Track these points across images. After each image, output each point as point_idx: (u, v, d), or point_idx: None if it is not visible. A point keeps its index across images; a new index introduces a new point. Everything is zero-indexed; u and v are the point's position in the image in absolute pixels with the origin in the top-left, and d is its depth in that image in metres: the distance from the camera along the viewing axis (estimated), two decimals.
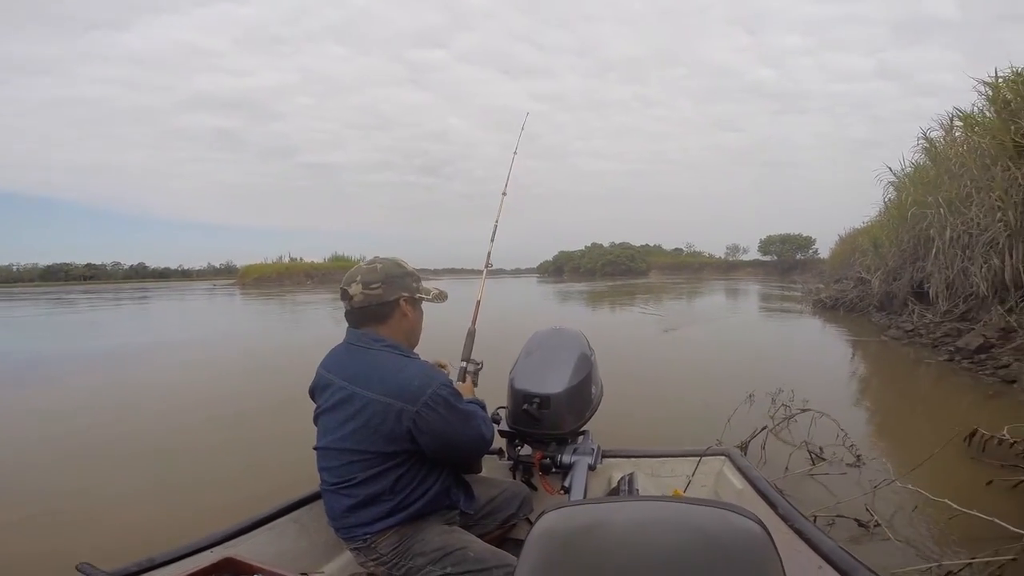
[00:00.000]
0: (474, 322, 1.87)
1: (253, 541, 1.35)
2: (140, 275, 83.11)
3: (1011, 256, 5.92)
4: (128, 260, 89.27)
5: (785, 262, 44.90)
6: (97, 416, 4.50)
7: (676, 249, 60.31)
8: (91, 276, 76.58)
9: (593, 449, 1.62)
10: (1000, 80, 6.93)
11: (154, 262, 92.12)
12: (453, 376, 1.62)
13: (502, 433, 1.67)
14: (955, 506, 2.04)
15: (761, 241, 49.67)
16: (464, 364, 1.73)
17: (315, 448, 1.37)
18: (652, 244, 60.35)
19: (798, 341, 8.59)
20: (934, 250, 7.39)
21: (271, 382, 5.52)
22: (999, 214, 6.15)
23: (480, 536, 1.41)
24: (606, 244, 58.21)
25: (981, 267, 6.30)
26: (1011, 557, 1.75)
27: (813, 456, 2.86)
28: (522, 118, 2.69)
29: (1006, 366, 4.62)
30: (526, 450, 1.67)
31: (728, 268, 49.68)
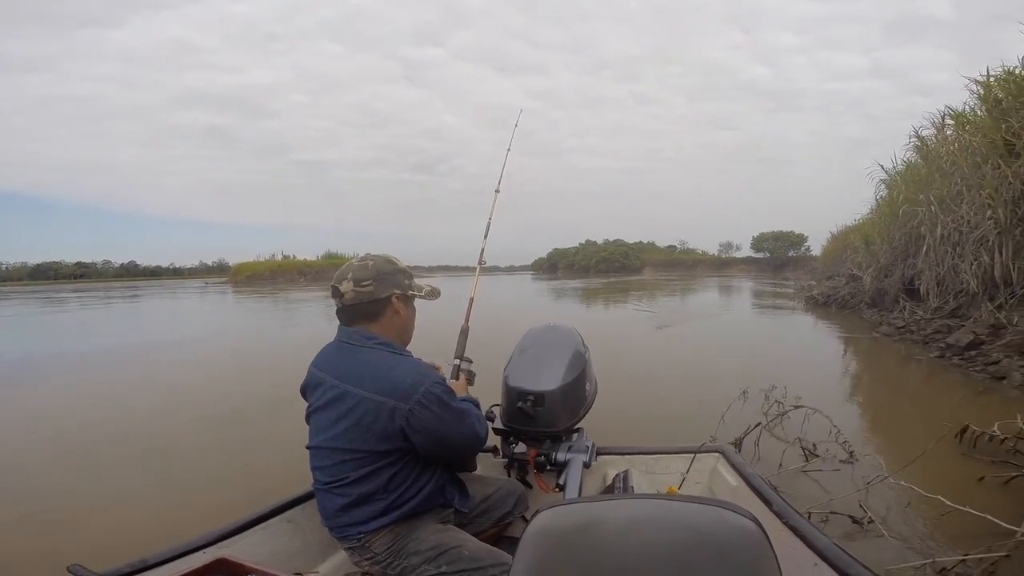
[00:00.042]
0: (467, 319, 1.86)
1: (246, 541, 1.34)
2: (131, 273, 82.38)
3: (1001, 253, 5.98)
4: (119, 258, 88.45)
5: (778, 259, 45.21)
6: (89, 416, 4.46)
7: (670, 246, 60.65)
8: (81, 274, 75.87)
9: (588, 446, 1.62)
10: (992, 79, 6.98)
11: (145, 260, 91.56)
12: (447, 375, 1.61)
13: (496, 431, 1.66)
14: (948, 502, 2.05)
15: (754, 238, 50.07)
16: (458, 362, 1.72)
17: (307, 447, 1.36)
18: (646, 241, 60.75)
19: (791, 338, 8.64)
20: (925, 247, 7.45)
21: (263, 381, 5.48)
22: (989, 212, 6.20)
23: (475, 534, 1.40)
24: (600, 241, 58.52)
25: (971, 264, 6.36)
26: (1004, 554, 1.76)
27: (806, 453, 2.87)
28: (516, 115, 2.69)
29: (996, 362, 4.66)
30: (521, 448, 1.66)
31: (721, 265, 49.90)
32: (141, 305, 20.89)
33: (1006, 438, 2.77)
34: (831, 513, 2.20)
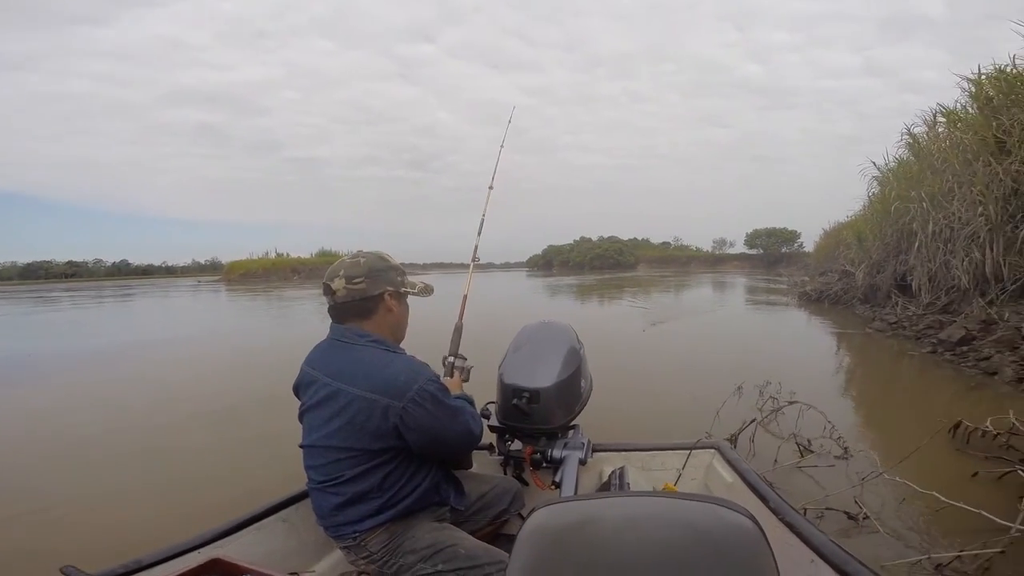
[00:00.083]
0: (461, 316, 1.86)
1: (241, 541, 1.33)
2: (123, 272, 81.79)
3: (992, 249, 6.03)
4: (110, 257, 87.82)
5: (771, 255, 45.34)
6: (81, 415, 4.42)
7: (664, 243, 60.77)
8: (72, 274, 75.29)
9: (583, 443, 1.61)
10: (983, 77, 7.03)
11: (137, 259, 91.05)
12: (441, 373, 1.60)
13: (492, 428, 1.66)
14: (942, 498, 2.06)
15: (747, 235, 50.17)
16: (452, 359, 1.71)
17: (300, 446, 1.35)
18: (640, 238, 60.88)
19: (784, 334, 8.69)
20: (917, 244, 7.51)
21: (257, 379, 5.46)
22: (980, 208, 6.26)
23: (472, 532, 1.39)
24: (595, 238, 58.49)
25: (963, 260, 6.41)
26: (999, 550, 1.77)
27: (801, 448, 2.89)
28: (510, 112, 2.68)
29: (987, 358, 4.69)
30: (516, 445, 1.66)
31: (715, 261, 50.03)
32: (133, 304, 20.75)
33: (998, 433, 2.79)
34: (827, 509, 2.20)
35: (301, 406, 1.36)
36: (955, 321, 5.90)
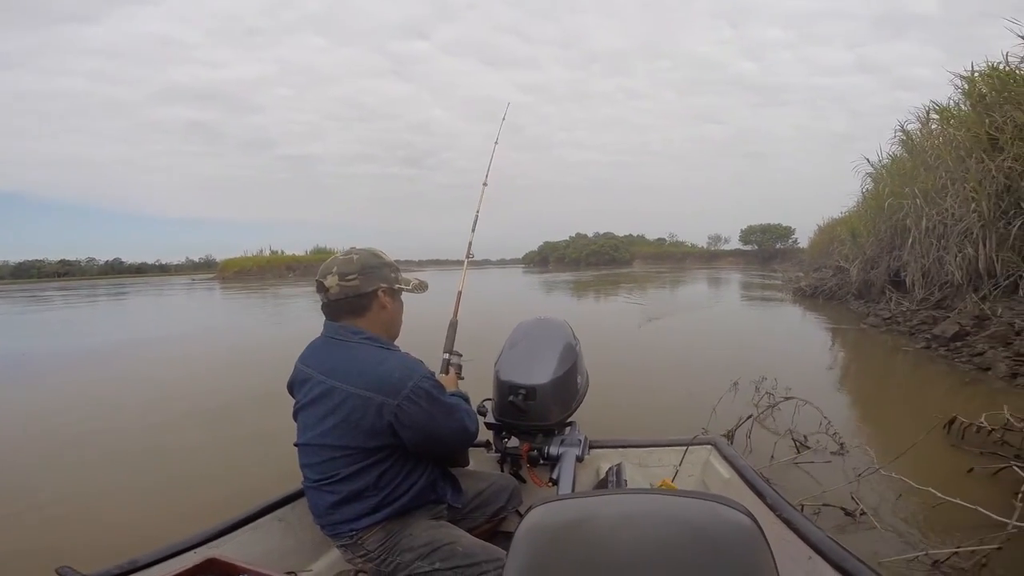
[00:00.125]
0: (456, 313, 1.85)
1: (237, 541, 1.32)
2: (116, 271, 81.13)
3: (984, 245, 6.06)
4: (103, 255, 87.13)
5: (766, 251, 45.49)
6: (76, 414, 4.39)
7: (659, 239, 60.82)
8: (65, 272, 74.65)
9: (580, 440, 1.61)
10: (976, 74, 7.05)
11: (131, 257, 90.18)
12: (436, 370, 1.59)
13: (489, 426, 1.65)
14: (939, 494, 2.07)
15: (742, 231, 50.26)
16: (447, 356, 1.70)
17: (295, 444, 1.34)
18: (635, 234, 60.83)
19: (780, 329, 8.72)
20: (910, 239, 7.54)
21: (252, 377, 5.43)
22: (973, 205, 6.29)
23: (469, 530, 1.39)
24: (590, 234, 58.49)
25: (956, 256, 6.44)
26: (996, 546, 1.78)
27: (798, 444, 2.89)
28: (504, 109, 2.69)
29: (981, 353, 4.72)
30: (513, 442, 1.66)
31: (710, 257, 50.15)
32: (127, 303, 20.63)
33: (993, 429, 2.80)
34: (823, 505, 2.21)
35: (295, 404, 1.36)
36: (949, 317, 5.94)
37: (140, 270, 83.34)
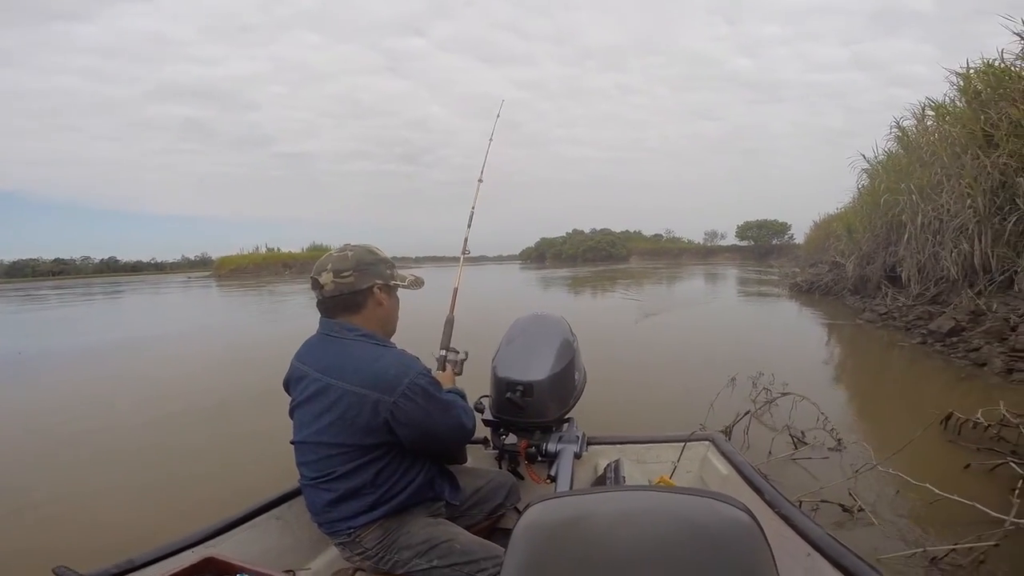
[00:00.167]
0: (452, 309, 1.84)
1: (235, 539, 1.32)
2: (111, 269, 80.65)
3: (980, 241, 6.08)
4: (98, 254, 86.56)
5: (762, 247, 45.62)
6: (72, 412, 4.38)
7: (656, 235, 60.92)
8: (60, 271, 74.19)
9: (578, 436, 1.61)
10: (971, 71, 7.07)
11: (126, 255, 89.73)
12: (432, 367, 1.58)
13: (486, 422, 1.65)
14: (936, 490, 2.07)
15: (738, 227, 50.44)
16: (443, 353, 1.70)
17: (292, 442, 1.33)
18: (632, 230, 60.90)
19: (776, 325, 8.75)
20: (906, 235, 7.57)
21: (249, 375, 5.42)
22: (968, 201, 6.30)
23: (468, 527, 1.39)
24: (587, 231, 58.62)
25: (951, 252, 6.47)
26: (994, 543, 1.78)
27: (795, 440, 2.89)
28: (499, 106, 2.68)
29: (976, 349, 4.73)
30: (511, 439, 1.65)
31: (707, 253, 50.27)
32: (123, 301, 20.56)
33: (989, 425, 2.80)
34: (822, 502, 2.21)
35: (292, 402, 1.35)
36: (944, 312, 5.95)
37: (136, 268, 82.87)
